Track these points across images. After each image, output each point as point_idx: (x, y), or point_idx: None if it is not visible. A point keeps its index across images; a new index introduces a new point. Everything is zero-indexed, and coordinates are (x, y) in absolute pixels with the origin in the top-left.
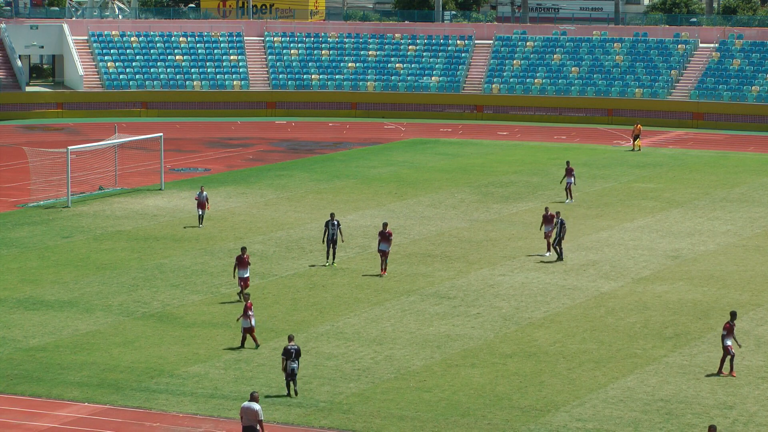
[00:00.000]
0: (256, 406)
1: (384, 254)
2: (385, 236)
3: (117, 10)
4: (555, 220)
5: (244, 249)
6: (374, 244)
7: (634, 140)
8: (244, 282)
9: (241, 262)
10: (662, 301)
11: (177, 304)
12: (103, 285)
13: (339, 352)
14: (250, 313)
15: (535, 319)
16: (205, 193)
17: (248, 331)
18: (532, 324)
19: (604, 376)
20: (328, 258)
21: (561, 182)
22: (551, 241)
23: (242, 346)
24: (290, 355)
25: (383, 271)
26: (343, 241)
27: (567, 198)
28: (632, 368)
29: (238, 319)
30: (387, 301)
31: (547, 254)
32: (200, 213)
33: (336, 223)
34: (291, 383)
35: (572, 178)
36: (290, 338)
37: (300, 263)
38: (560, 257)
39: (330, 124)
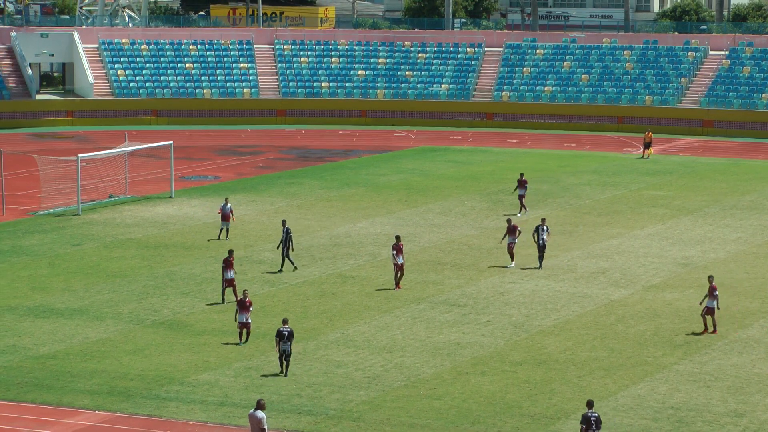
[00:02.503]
0: (259, 414)
1: (401, 268)
2: (400, 249)
3: (127, 18)
4: (516, 229)
5: (231, 252)
6: (384, 252)
7: (645, 148)
8: (228, 283)
9: (228, 264)
10: (672, 309)
11: (187, 312)
12: (114, 293)
13: (349, 360)
14: (251, 309)
15: (546, 327)
16: (229, 205)
17: (245, 326)
18: (543, 332)
19: (615, 383)
20: (294, 265)
21: (513, 193)
22: (537, 249)
23: (243, 341)
24: (283, 336)
25: (398, 286)
26: (293, 249)
27: (520, 210)
28: (642, 376)
29: (236, 318)
30: (397, 309)
31: (511, 265)
32: (224, 226)
33: (287, 230)
34: (284, 363)
35: (524, 190)
36: (284, 321)
37: (310, 271)
38: (540, 264)
39: (340, 132)
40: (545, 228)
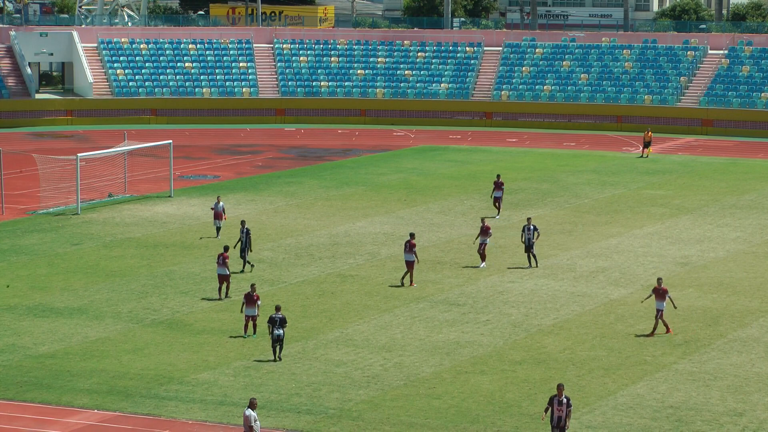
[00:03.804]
0: (247, 412)
1: (411, 264)
2: (411, 246)
3: (126, 18)
4: (489, 230)
5: (226, 248)
6: (384, 251)
7: (645, 147)
8: (221, 279)
9: (222, 260)
10: (672, 308)
11: (186, 311)
12: (113, 292)
13: (348, 359)
14: (258, 303)
15: (545, 326)
16: (221, 203)
17: (252, 318)
18: (542, 331)
19: (614, 383)
20: (251, 264)
21: (491, 196)
22: (526, 249)
23: (249, 334)
24: (275, 322)
25: (412, 283)
26: (251, 251)
27: (496, 213)
28: (642, 375)
29: (242, 311)
30: (396, 308)
31: (482, 265)
32: (217, 224)
33: (246, 230)
34: (277, 348)
35: (501, 192)
36: (277, 308)
37: (309, 270)
38: (536, 263)
39: (339, 131)
40: (531, 227)
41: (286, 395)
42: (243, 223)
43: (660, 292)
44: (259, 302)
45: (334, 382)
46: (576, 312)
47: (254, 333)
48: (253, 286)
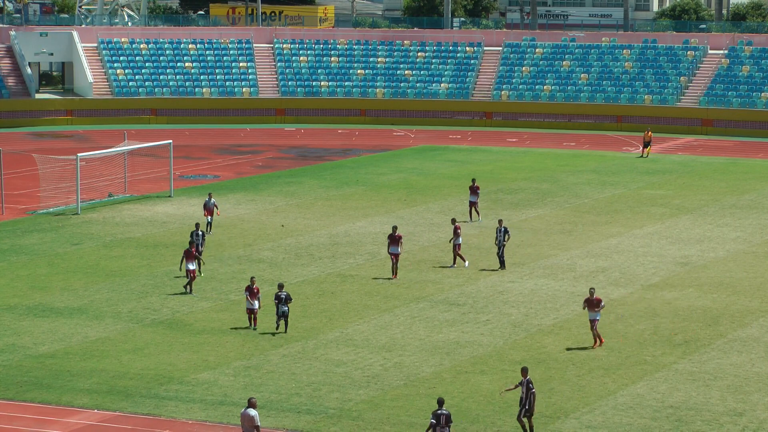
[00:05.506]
0: (251, 411)
1: (395, 257)
2: (394, 239)
3: (126, 18)
4: (459, 230)
5: (191, 243)
6: (384, 251)
7: (644, 147)
8: (191, 274)
9: (189, 255)
10: (672, 308)
11: (186, 311)
12: (113, 292)
13: (348, 359)
14: (258, 296)
15: (545, 326)
16: (213, 200)
17: (253, 312)
18: (542, 331)
19: (614, 382)
20: (199, 269)
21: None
22: (497, 251)
23: (252, 326)
24: (281, 299)
25: (394, 276)
26: (201, 252)
27: (470, 218)
28: (642, 375)
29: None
30: (396, 308)
31: (454, 266)
32: (208, 220)
33: (200, 234)
34: (282, 323)
35: (476, 197)
36: (280, 287)
37: (309, 270)
38: (502, 265)
39: (339, 131)
40: (502, 229)
41: (286, 395)
42: (197, 225)
43: (593, 303)
44: (259, 295)
45: (334, 382)
46: (576, 312)
47: (254, 326)
48: (252, 279)
